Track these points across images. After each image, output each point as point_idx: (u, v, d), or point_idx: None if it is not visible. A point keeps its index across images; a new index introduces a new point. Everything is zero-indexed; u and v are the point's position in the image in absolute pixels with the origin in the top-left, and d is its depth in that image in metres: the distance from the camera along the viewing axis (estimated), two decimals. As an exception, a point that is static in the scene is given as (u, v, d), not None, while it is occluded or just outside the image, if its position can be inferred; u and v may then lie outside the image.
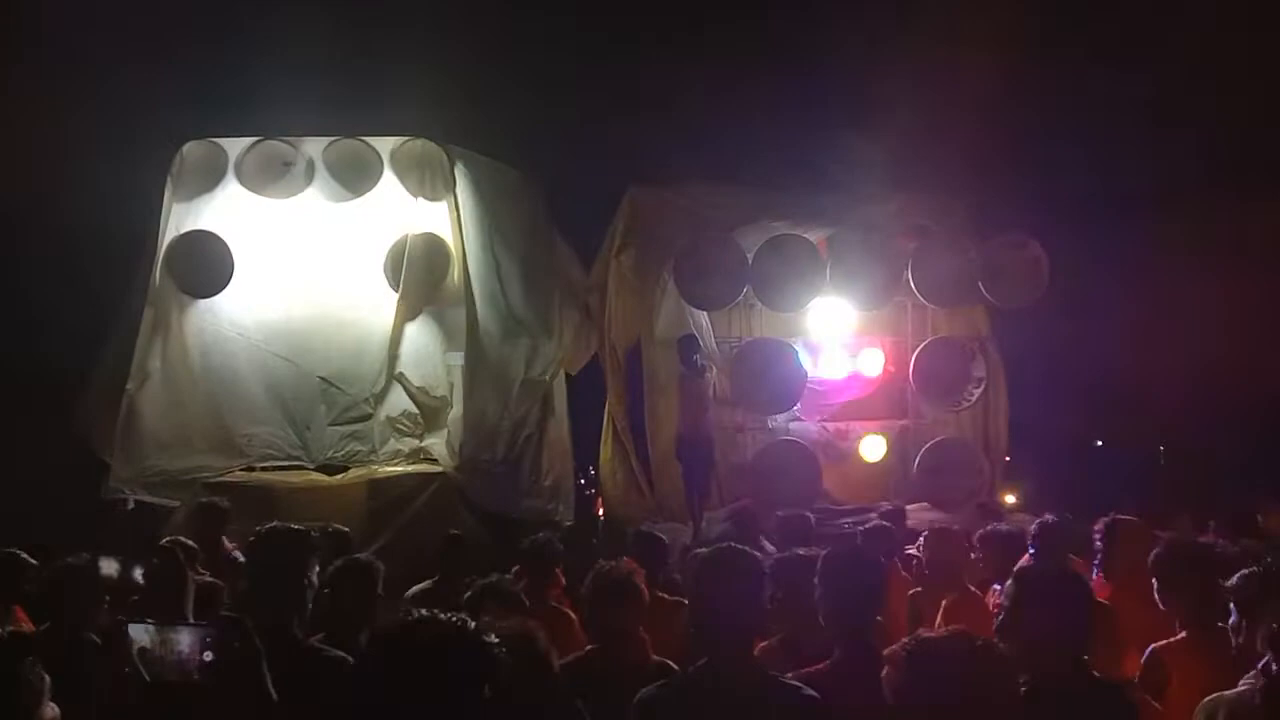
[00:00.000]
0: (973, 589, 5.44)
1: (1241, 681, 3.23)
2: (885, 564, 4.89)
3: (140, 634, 2.51)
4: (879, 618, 3.65)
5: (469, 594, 4.06)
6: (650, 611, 5.10)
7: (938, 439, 11.33)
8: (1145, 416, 12.71)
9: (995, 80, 10.82)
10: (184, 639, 2.52)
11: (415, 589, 5.81)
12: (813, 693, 2.95)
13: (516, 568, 5.53)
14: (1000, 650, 2.62)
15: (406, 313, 10.43)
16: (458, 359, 10.33)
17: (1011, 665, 2.62)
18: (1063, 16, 11.86)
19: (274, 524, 3.63)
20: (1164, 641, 3.91)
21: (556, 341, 11.06)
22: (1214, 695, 3.27)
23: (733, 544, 3.15)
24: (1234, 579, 3.67)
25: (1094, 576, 5.15)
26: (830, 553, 3.70)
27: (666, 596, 5.25)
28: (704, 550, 3.29)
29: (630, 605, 3.90)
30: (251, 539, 3.63)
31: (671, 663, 4.06)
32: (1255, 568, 3.68)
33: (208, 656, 2.49)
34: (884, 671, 2.60)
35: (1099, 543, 5.23)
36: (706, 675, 2.94)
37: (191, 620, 3.61)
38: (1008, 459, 12.15)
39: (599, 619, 3.90)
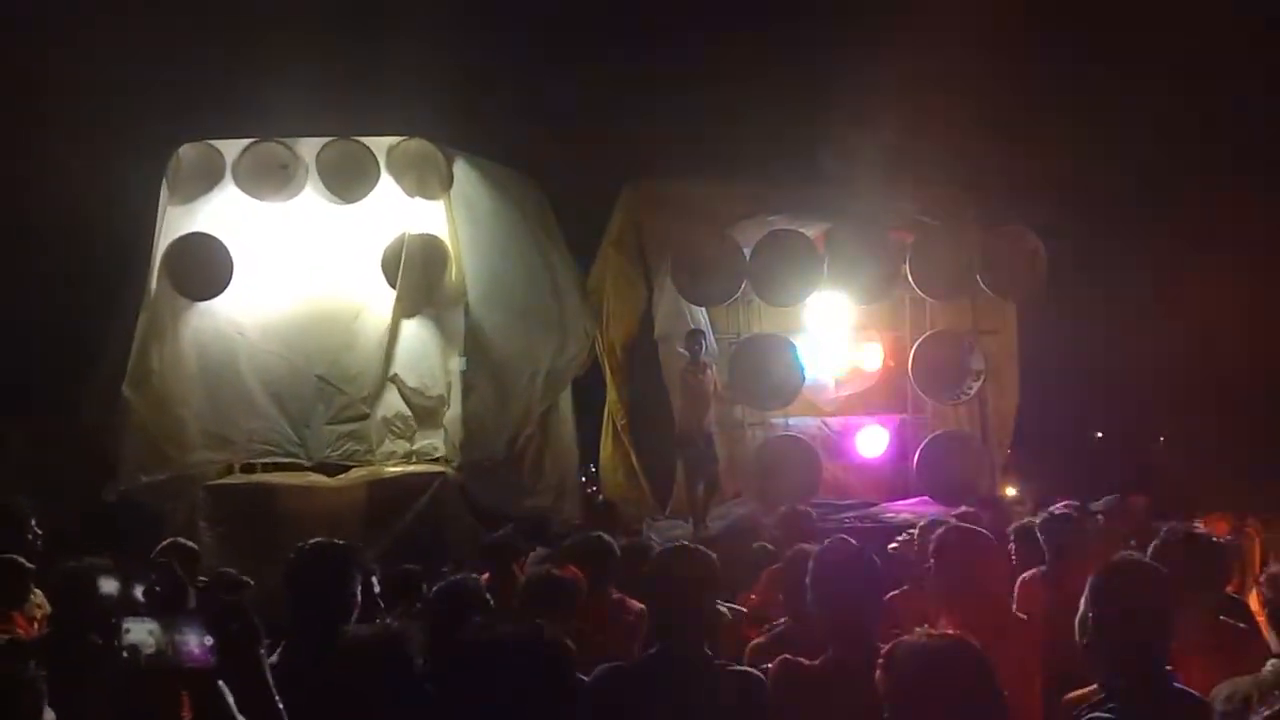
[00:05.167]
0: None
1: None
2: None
3: (143, 634, 2.48)
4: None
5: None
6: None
7: (939, 432, 11.31)
8: (1145, 408, 12.70)
9: (994, 71, 10.80)
10: (188, 630, 2.49)
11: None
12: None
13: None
14: (982, 653, 2.55)
15: (403, 313, 10.40)
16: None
17: (992, 667, 2.53)
18: (1064, 6, 11.85)
19: (318, 539, 3.51)
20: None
21: (575, 338, 10.93)
22: (1229, 679, 3.20)
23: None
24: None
25: None
26: (824, 548, 3.62)
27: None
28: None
29: (561, 610, 4.06)
30: (292, 556, 3.49)
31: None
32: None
33: (208, 640, 2.48)
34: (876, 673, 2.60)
35: None
36: None
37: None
38: (1009, 451, 12.12)
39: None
